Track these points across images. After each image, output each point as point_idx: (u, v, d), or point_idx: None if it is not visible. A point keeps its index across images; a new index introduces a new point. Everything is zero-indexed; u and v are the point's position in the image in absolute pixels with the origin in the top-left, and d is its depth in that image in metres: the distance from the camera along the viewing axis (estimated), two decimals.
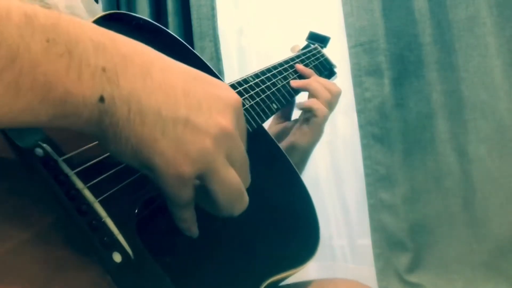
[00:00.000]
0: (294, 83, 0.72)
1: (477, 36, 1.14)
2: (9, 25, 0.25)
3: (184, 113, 0.31)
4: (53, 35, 0.27)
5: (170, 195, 0.32)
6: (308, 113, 0.71)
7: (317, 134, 0.72)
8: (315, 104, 0.70)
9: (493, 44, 1.11)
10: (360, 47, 1.25)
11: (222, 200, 0.33)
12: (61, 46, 0.27)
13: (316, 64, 0.82)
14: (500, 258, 1.11)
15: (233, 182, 0.33)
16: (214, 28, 1.41)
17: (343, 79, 1.29)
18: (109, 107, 0.28)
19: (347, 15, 1.26)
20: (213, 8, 1.41)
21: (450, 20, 1.18)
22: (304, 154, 0.73)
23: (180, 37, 1.57)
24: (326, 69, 0.85)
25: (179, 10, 1.46)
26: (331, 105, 0.72)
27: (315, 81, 0.73)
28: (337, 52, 1.30)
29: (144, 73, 0.30)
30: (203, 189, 0.33)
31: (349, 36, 1.26)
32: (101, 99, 0.28)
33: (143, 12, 1.48)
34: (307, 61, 0.81)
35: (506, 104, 1.10)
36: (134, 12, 1.50)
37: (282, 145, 0.73)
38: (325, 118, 0.71)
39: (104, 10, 1.50)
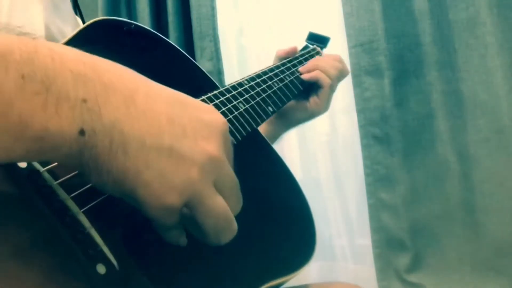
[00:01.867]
0: (303, 69, 0.77)
1: (477, 36, 1.14)
2: None
3: (168, 142, 0.30)
4: (28, 70, 0.26)
5: (156, 222, 0.32)
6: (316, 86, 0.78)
7: (326, 103, 0.80)
8: (318, 74, 0.77)
9: (493, 44, 1.11)
10: (360, 47, 1.25)
11: (208, 230, 0.32)
12: (37, 82, 0.26)
13: None
14: (500, 258, 1.11)
15: (220, 211, 0.32)
16: (214, 28, 1.40)
17: None
18: (90, 139, 0.27)
19: (347, 15, 1.26)
20: (213, 8, 1.41)
21: (450, 20, 1.18)
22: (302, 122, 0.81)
23: (180, 37, 1.57)
24: None
25: (179, 10, 1.46)
26: (339, 78, 0.81)
27: (323, 61, 0.79)
28: (337, 52, 1.30)
29: (127, 101, 0.29)
30: (190, 217, 0.32)
31: (349, 36, 1.26)
32: (82, 132, 0.27)
33: (143, 11, 1.48)
34: (305, 63, 0.80)
35: (506, 104, 1.10)
36: (134, 12, 1.50)
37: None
38: (332, 89, 0.79)
39: (105, 9, 1.50)
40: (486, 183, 1.14)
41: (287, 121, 0.80)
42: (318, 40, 0.91)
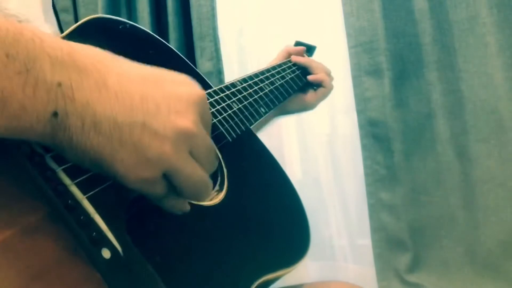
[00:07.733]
0: (296, 58, 0.87)
1: (477, 36, 1.14)
2: None
3: (140, 118, 0.31)
4: (12, 51, 0.27)
5: (144, 193, 0.34)
6: (317, 85, 0.87)
7: (319, 100, 0.89)
8: (324, 77, 0.87)
9: (493, 44, 1.11)
10: (360, 47, 1.25)
11: (188, 193, 0.35)
12: (19, 62, 0.27)
13: (298, 73, 0.85)
14: (500, 258, 1.11)
15: (196, 177, 0.35)
16: (214, 28, 1.40)
17: (343, 79, 1.29)
18: (62, 122, 0.29)
19: (347, 15, 1.26)
20: (213, 8, 1.41)
21: (450, 20, 1.18)
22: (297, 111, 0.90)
23: (180, 37, 1.57)
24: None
25: (179, 10, 1.46)
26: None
27: (314, 61, 0.89)
28: (337, 52, 1.31)
29: (99, 85, 0.31)
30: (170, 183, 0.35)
31: (349, 36, 1.26)
32: (55, 114, 0.29)
33: (143, 12, 1.47)
34: (294, 68, 0.85)
35: (506, 104, 1.10)
36: (134, 12, 1.50)
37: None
38: (330, 89, 0.89)
39: (105, 9, 1.50)
40: (486, 183, 1.14)
41: (280, 110, 0.86)
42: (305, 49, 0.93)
